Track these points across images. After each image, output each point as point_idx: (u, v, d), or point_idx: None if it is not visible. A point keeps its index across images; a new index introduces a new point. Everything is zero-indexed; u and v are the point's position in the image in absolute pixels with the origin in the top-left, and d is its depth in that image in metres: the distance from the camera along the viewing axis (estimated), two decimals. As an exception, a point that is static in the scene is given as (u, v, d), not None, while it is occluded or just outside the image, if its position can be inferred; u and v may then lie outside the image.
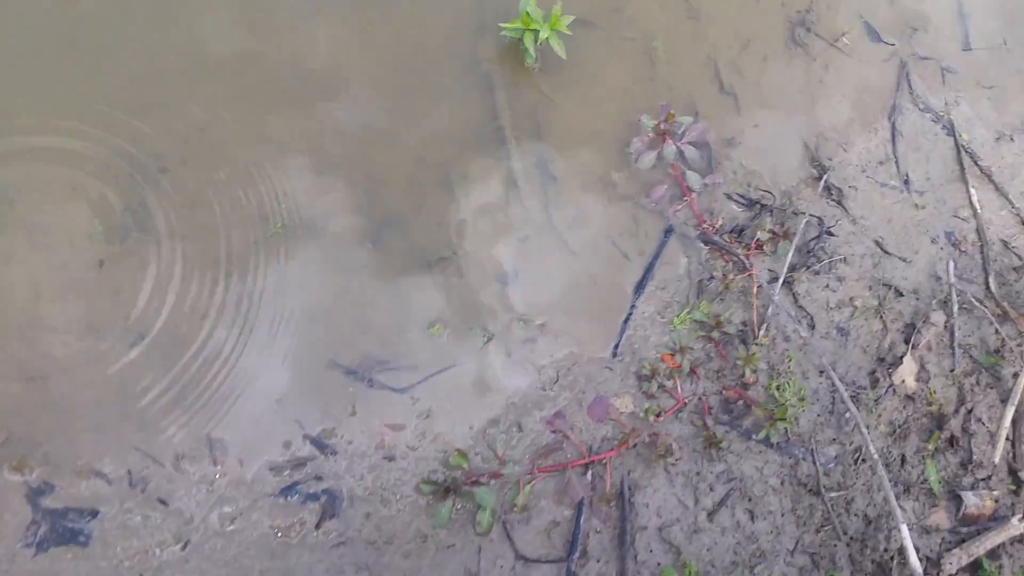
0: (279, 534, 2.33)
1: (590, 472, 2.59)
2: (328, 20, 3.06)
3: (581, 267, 2.95)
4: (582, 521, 2.51)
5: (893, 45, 3.53)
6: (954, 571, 2.64)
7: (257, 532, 2.17)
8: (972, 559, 2.66)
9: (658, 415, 2.70)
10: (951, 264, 3.09)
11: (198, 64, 2.89)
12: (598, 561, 2.46)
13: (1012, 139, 3.45)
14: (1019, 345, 3.02)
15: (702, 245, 3.08)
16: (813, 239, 3.08)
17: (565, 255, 2.95)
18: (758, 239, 3.00)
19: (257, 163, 2.78)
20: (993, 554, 2.70)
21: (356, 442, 2.54)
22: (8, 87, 2.72)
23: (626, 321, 2.93)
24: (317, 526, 2.32)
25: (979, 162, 3.38)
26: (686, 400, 2.77)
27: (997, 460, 2.78)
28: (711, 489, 2.65)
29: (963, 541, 2.72)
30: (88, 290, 2.50)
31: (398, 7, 3.16)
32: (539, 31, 2.93)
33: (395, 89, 3.06)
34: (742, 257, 2.97)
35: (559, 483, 2.53)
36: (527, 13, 2.93)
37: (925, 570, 2.60)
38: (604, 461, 2.58)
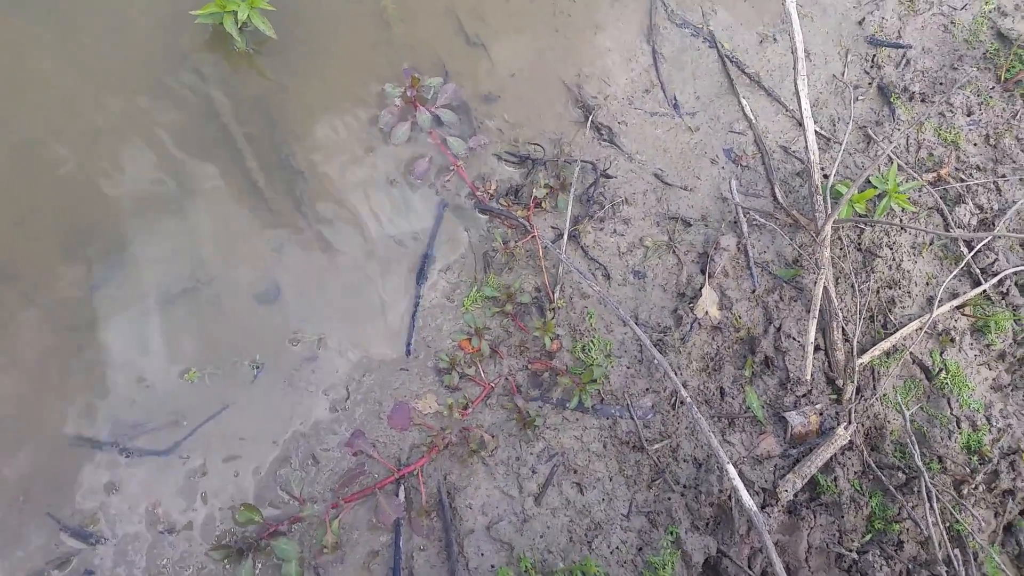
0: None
1: (403, 487, 3.18)
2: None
3: (351, 265, 3.45)
4: (401, 543, 3.06)
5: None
6: (790, 496, 3.44)
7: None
8: (806, 480, 3.46)
9: (465, 407, 3.34)
10: (733, 183, 4.06)
11: None
12: (427, 580, 3.05)
13: (775, 39, 4.49)
14: (813, 253, 3.86)
15: (480, 215, 3.75)
16: (591, 186, 3.87)
17: (330, 256, 3.43)
18: (535, 197, 3.73)
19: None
20: (827, 468, 3.55)
21: (125, 522, 2.90)
22: None
23: (413, 314, 3.49)
24: (96, 624, 2.74)
25: (746, 69, 4.37)
26: (492, 384, 3.41)
27: (809, 375, 3.63)
28: (533, 472, 3.31)
29: (796, 463, 3.53)
30: None
31: (75, 6, 3.46)
32: (238, 11, 3.34)
33: (89, 99, 3.39)
34: (522, 220, 3.71)
35: (371, 508, 3.13)
36: (219, -7, 3.21)
37: (764, 502, 3.48)
38: (416, 472, 3.20)
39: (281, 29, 3.53)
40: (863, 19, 4.48)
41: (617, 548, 3.10)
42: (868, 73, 4.42)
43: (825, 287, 3.58)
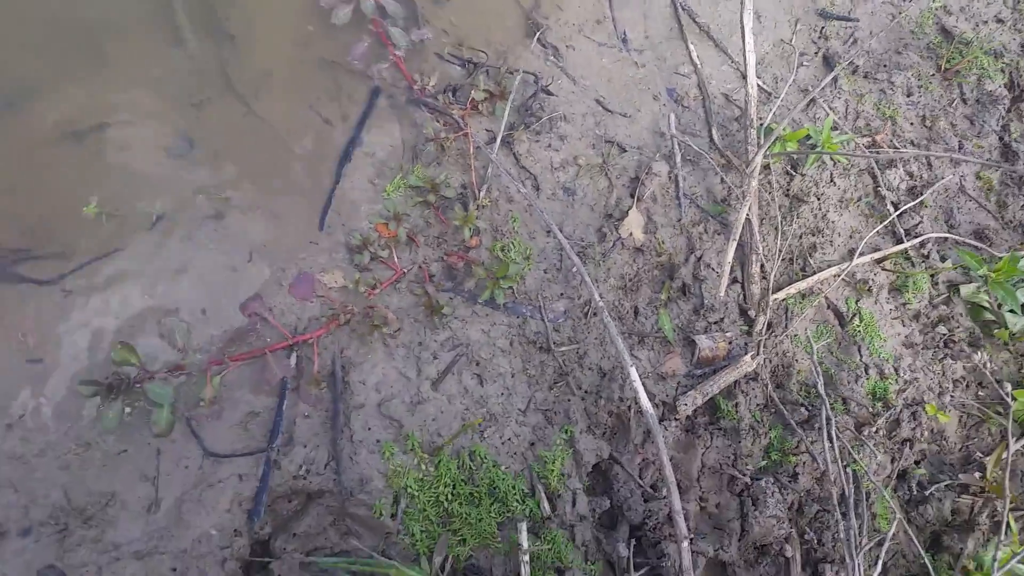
0: None
1: (295, 355, 3.06)
2: None
3: (274, 135, 3.38)
4: (285, 407, 2.95)
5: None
6: (689, 411, 3.43)
7: None
8: (707, 398, 3.47)
9: (373, 287, 3.25)
10: (672, 117, 4.06)
11: None
12: (305, 446, 2.94)
13: None
14: (742, 191, 3.90)
15: (413, 107, 3.69)
16: (531, 98, 3.85)
17: (252, 121, 3.36)
18: (473, 99, 3.68)
19: None
20: (728, 393, 3.56)
21: None
22: None
23: (331, 191, 3.40)
24: (-58, 440, 2.57)
25: (697, 19, 4.42)
26: (404, 270, 3.34)
27: (722, 294, 3.65)
28: (435, 358, 3.23)
29: (696, 383, 3.52)
30: None
31: None
32: None
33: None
34: (457, 117, 3.65)
35: (257, 370, 2.99)
36: None
37: (663, 415, 3.43)
38: (311, 341, 3.09)
39: None
40: (816, -9, 4.55)
41: (509, 440, 3.04)
42: (815, 43, 4.53)
43: (748, 219, 3.64)
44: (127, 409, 2.66)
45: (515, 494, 2.89)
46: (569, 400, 3.20)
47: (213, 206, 3.14)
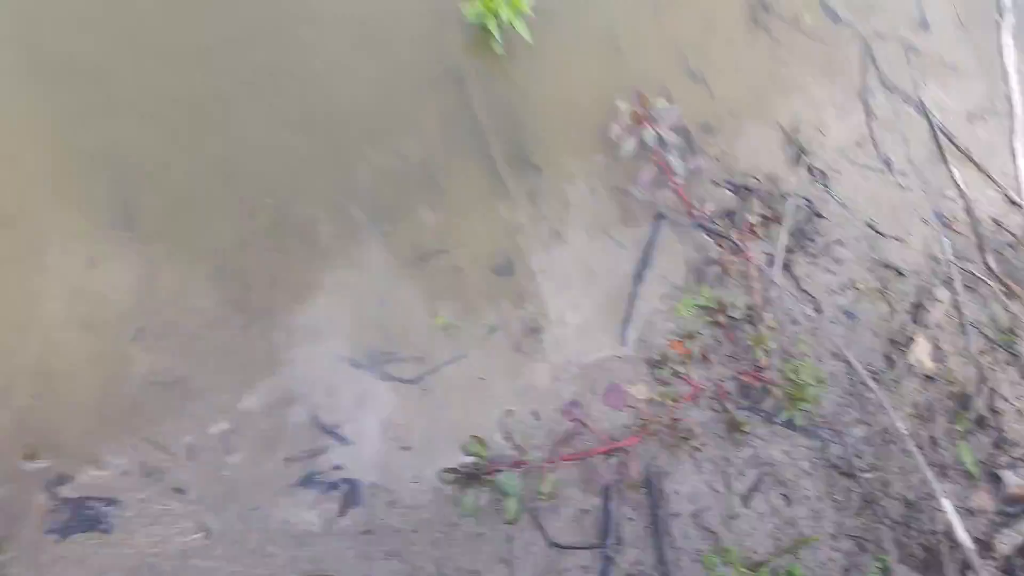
0: (301, 523, 3.27)
1: (613, 460, 3.85)
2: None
3: (578, 258, 4.03)
4: (612, 508, 3.57)
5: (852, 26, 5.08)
6: (1008, 551, 3.72)
7: (279, 521, 3.34)
8: None
9: (675, 400, 4.01)
10: (947, 242, 4.78)
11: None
12: (635, 548, 3.41)
13: (984, 119, 5.33)
14: None
15: (695, 231, 4.54)
16: (805, 221, 4.53)
17: (559, 244, 4.04)
18: (749, 222, 4.47)
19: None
20: None
21: (370, 432, 3.47)
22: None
23: (629, 309, 4.07)
24: (340, 514, 3.38)
25: (955, 142, 5.18)
26: (702, 386, 4.08)
27: None
28: (741, 474, 3.72)
29: (1011, 521, 3.78)
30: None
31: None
32: (501, 13, 4.09)
33: (366, 83, 4.23)
34: (735, 241, 4.44)
35: (583, 471, 3.57)
36: (485, -6, 3.89)
37: (977, 552, 3.84)
38: (627, 448, 3.83)
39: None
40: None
41: (824, 564, 3.49)
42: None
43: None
44: (480, 496, 3.23)
45: (836, 620, 3.40)
46: (879, 528, 3.62)
47: (533, 321, 3.84)
